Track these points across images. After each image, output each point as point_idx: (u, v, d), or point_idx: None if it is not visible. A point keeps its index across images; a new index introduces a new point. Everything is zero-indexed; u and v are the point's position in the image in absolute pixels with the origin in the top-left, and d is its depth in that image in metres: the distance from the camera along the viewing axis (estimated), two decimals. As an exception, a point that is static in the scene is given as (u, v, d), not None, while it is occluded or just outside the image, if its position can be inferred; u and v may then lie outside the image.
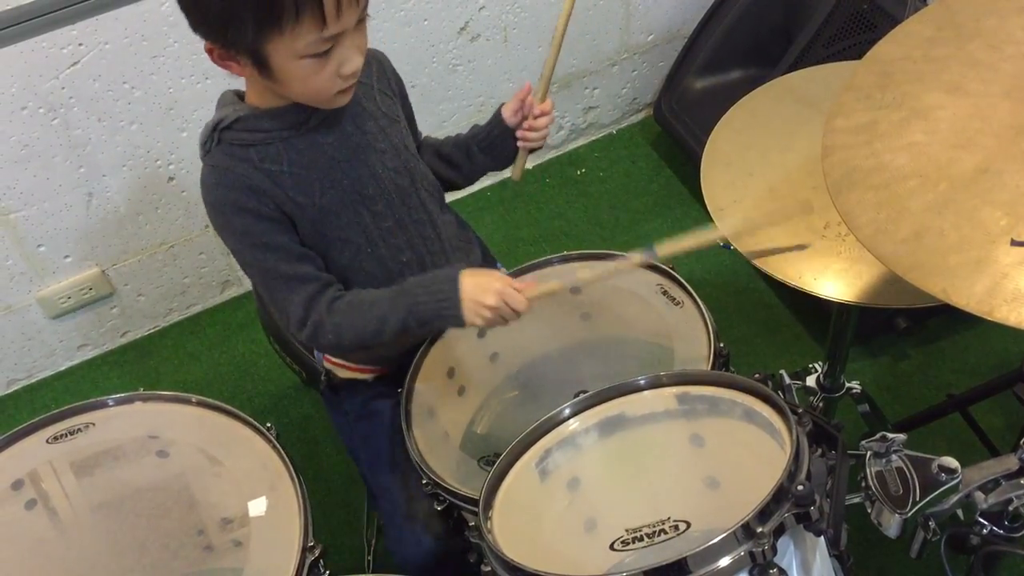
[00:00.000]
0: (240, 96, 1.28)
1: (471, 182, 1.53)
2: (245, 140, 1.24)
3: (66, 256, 2.12)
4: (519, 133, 1.43)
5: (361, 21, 1.16)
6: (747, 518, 0.93)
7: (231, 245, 1.27)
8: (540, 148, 1.46)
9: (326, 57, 1.15)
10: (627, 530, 1.05)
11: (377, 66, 1.37)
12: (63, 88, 1.88)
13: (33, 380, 2.30)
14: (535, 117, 1.41)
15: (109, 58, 1.89)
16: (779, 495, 0.96)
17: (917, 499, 1.10)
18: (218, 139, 1.25)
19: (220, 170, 1.24)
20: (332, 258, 1.33)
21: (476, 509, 1.13)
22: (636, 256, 1.32)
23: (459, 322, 1.23)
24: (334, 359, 1.51)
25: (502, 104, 1.44)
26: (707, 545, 0.92)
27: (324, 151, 1.28)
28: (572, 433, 1.18)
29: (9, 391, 2.28)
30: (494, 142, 1.46)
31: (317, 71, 1.16)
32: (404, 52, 2.21)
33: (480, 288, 1.22)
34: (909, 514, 1.11)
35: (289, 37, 1.11)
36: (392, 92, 1.39)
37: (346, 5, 1.11)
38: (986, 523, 1.14)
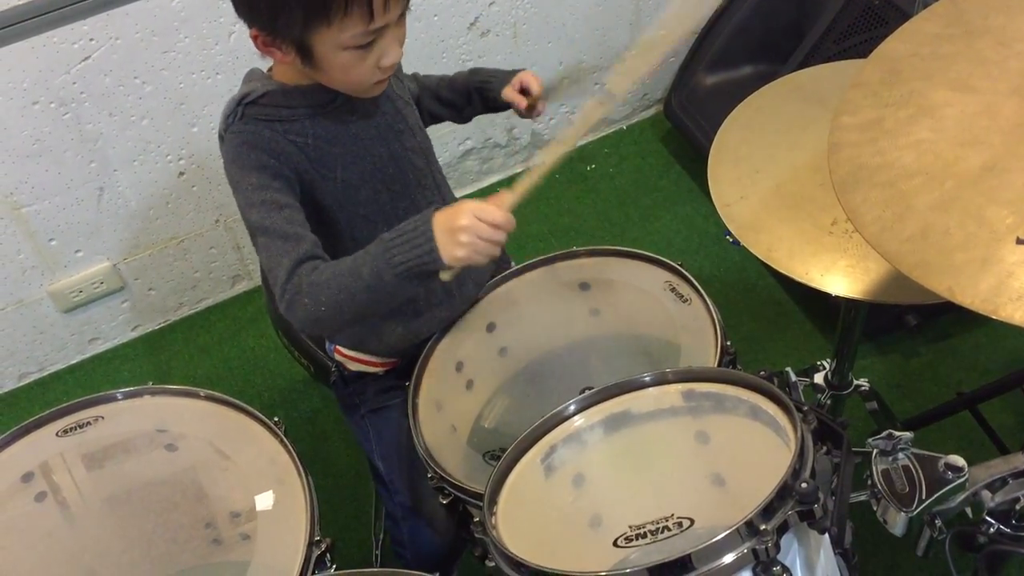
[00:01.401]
0: (267, 74, 1.30)
1: (467, 121, 1.59)
2: (271, 115, 1.25)
3: (77, 250, 2.14)
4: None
5: (402, 15, 1.18)
6: (751, 515, 0.93)
7: (241, 200, 1.24)
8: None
9: (368, 49, 1.17)
10: (631, 527, 1.04)
11: None
12: (74, 83, 1.89)
13: (45, 373, 2.32)
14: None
15: (120, 53, 1.90)
16: (783, 492, 0.95)
17: (923, 497, 1.10)
18: (242, 113, 1.25)
19: (246, 133, 1.24)
20: (354, 236, 1.34)
21: (481, 504, 1.13)
22: (593, 102, 1.24)
23: (433, 255, 1.13)
24: (344, 351, 1.51)
25: (504, 87, 1.48)
26: (711, 542, 0.92)
27: (348, 128, 1.30)
28: (577, 429, 1.18)
29: (21, 384, 2.30)
30: (495, 104, 1.52)
31: (359, 62, 1.18)
32: (414, 47, 2.21)
33: (450, 214, 1.15)
34: (915, 512, 1.11)
35: (336, 29, 1.13)
36: (403, 75, 1.43)
37: (393, 0, 1.13)
38: (993, 522, 1.14)
